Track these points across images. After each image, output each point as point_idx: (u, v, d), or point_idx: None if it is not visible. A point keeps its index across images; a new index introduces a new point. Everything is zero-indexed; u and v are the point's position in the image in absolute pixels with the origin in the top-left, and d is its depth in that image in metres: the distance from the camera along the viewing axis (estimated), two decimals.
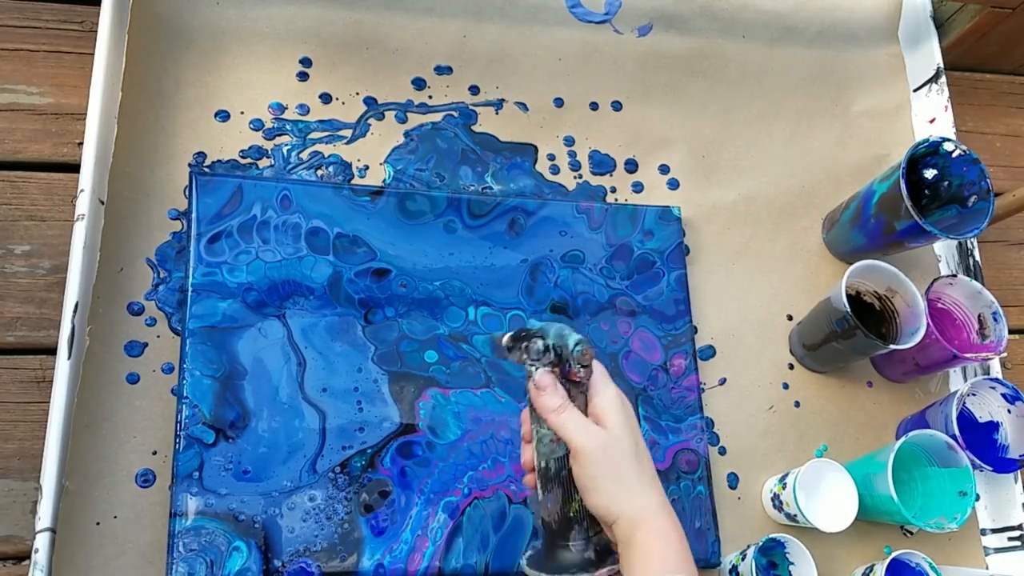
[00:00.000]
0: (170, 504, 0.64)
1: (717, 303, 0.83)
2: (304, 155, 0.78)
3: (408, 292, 0.75)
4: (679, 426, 0.77)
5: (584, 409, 0.56)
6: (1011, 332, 0.83)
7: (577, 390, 0.56)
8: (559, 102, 0.86)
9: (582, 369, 0.56)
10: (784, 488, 0.74)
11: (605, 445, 0.53)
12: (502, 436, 0.72)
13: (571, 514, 0.56)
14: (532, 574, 0.56)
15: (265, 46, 0.81)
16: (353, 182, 0.78)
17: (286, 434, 0.68)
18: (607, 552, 0.56)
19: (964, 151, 0.80)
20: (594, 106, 0.87)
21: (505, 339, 0.58)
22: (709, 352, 0.81)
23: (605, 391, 0.56)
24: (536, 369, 0.55)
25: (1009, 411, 0.80)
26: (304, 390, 0.69)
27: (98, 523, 0.64)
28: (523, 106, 0.85)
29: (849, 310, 0.73)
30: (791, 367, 0.83)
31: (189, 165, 0.76)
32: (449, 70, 0.85)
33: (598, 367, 0.57)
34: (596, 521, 0.56)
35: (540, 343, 0.55)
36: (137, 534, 0.64)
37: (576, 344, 0.55)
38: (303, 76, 0.81)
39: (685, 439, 0.76)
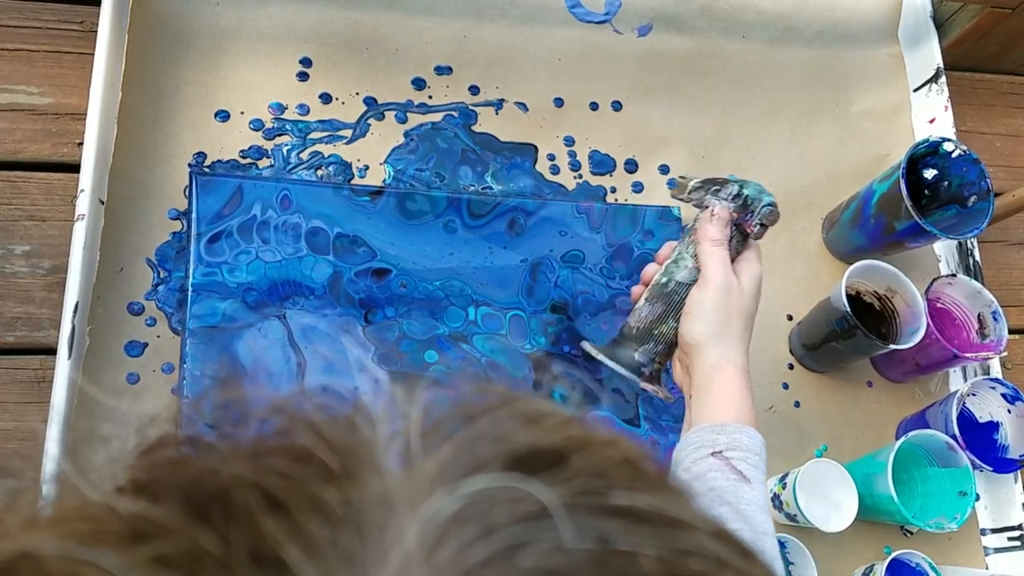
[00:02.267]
0: None
1: None
2: (304, 155, 0.78)
3: (408, 292, 0.75)
4: (679, 426, 0.76)
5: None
6: (1011, 332, 0.83)
7: (734, 246, 0.63)
8: (559, 102, 0.86)
9: (759, 227, 0.62)
10: (784, 488, 0.74)
11: (732, 290, 0.59)
12: None
13: (655, 331, 0.62)
14: (589, 347, 0.65)
15: (265, 46, 0.81)
16: (353, 182, 0.78)
17: None
18: (656, 379, 0.63)
19: (964, 151, 0.80)
20: (594, 106, 0.87)
21: (694, 181, 0.64)
22: None
23: (753, 263, 0.62)
24: (718, 204, 0.62)
25: (1009, 411, 0.80)
26: None
27: None
28: (523, 106, 0.85)
29: (849, 310, 0.73)
30: (791, 367, 0.83)
31: (189, 165, 0.75)
32: (449, 70, 0.85)
33: (757, 248, 0.64)
34: (665, 359, 0.63)
35: (736, 188, 0.62)
36: None
37: (768, 203, 0.62)
38: (303, 76, 0.81)
39: None
